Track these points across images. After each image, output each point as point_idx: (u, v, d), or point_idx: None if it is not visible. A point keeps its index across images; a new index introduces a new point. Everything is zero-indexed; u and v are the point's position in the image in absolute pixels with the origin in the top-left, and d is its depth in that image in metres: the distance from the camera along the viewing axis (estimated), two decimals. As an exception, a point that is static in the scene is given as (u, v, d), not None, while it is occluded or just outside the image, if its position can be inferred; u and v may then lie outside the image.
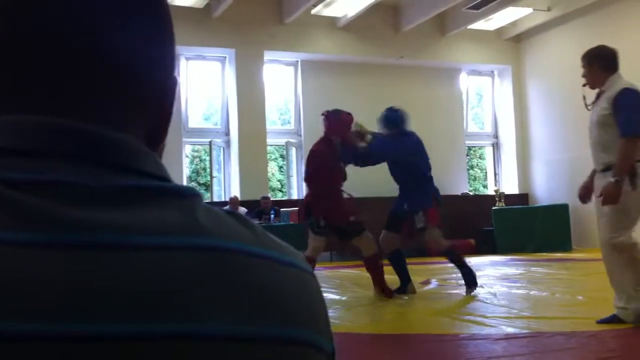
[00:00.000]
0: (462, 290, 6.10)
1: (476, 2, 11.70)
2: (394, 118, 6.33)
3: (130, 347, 0.38)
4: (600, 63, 4.33)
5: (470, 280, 6.02)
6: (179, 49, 11.40)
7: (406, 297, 5.92)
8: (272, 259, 0.47)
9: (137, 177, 0.47)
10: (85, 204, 0.42)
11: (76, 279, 0.39)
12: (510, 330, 4.16)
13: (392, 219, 6.21)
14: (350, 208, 5.92)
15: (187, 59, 12.05)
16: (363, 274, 8.45)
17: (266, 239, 0.49)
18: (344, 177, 6.01)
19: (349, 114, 6.00)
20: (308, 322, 0.47)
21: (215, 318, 0.41)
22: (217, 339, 0.41)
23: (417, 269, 8.74)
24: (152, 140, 0.54)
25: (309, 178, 5.97)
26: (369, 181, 10.74)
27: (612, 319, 4.08)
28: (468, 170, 15.55)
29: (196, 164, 18.13)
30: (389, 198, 6.80)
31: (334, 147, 5.83)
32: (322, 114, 6.08)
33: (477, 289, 6.05)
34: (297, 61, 12.79)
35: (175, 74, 0.56)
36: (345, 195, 6.01)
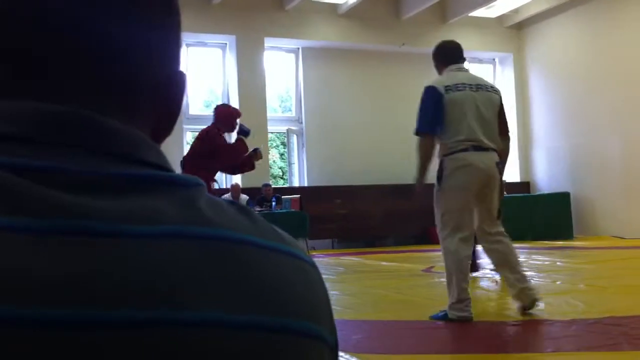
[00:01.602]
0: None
1: (478, -11, 11.66)
2: None
3: (124, 334, 0.38)
4: (438, 57, 4.51)
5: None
6: (180, 35, 11.39)
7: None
8: (271, 248, 0.47)
9: (137, 166, 0.46)
10: (81, 191, 0.42)
11: (68, 265, 0.38)
12: (511, 317, 4.17)
13: None
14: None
15: (188, 45, 12.02)
16: (364, 261, 8.48)
17: (266, 229, 0.49)
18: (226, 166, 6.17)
19: (236, 109, 6.26)
20: (308, 312, 0.47)
21: (211, 306, 0.41)
22: (212, 326, 0.40)
23: (419, 257, 8.77)
24: (157, 133, 0.54)
25: (189, 158, 5.93)
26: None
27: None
28: (469, 158, 15.53)
29: (197, 152, 18.10)
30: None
31: (222, 135, 5.98)
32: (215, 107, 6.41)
33: (479, 275, 6.09)
34: (298, 48, 12.76)
35: (182, 68, 0.55)
36: (215, 186, 6.31)
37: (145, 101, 0.52)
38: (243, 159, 6.11)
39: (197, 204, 0.45)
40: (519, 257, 4.28)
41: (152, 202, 0.44)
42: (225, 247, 0.44)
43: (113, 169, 0.44)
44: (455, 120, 4.10)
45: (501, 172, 4.29)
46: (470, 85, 4.22)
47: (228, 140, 6.05)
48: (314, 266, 0.51)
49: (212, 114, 5.98)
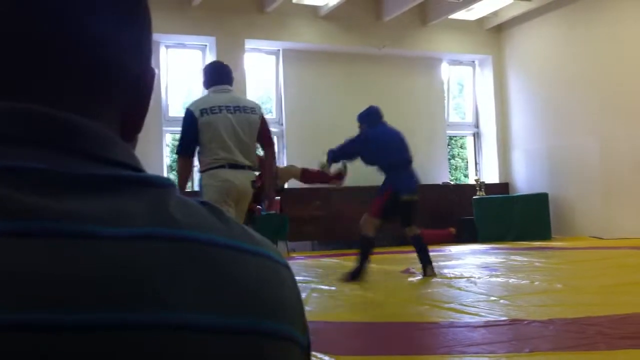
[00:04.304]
0: (442, 279, 6.17)
1: (457, -9, 11.72)
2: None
3: (92, 338, 0.37)
4: (203, 77, 4.80)
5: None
6: (159, 37, 11.32)
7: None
8: (243, 250, 0.46)
9: (105, 165, 0.45)
10: (47, 191, 0.41)
11: (34, 268, 0.37)
12: (489, 317, 4.19)
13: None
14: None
15: (167, 47, 11.95)
16: (344, 262, 8.48)
17: (238, 231, 0.48)
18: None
19: None
20: (281, 314, 0.46)
21: (183, 308, 0.40)
22: (185, 328, 0.40)
23: (398, 258, 8.79)
24: (126, 131, 0.53)
25: None
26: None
27: None
28: (449, 159, 15.63)
29: (177, 153, 18.03)
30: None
31: None
32: None
33: (455, 277, 6.12)
34: (279, 50, 12.74)
35: (153, 65, 0.55)
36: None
37: (116, 98, 0.51)
38: None
39: (166, 204, 0.44)
40: None
41: (119, 202, 0.43)
42: (195, 248, 0.43)
43: (79, 169, 0.43)
44: (211, 140, 4.44)
45: (269, 179, 4.77)
46: (228, 107, 4.52)
47: None
48: (286, 267, 0.51)
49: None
